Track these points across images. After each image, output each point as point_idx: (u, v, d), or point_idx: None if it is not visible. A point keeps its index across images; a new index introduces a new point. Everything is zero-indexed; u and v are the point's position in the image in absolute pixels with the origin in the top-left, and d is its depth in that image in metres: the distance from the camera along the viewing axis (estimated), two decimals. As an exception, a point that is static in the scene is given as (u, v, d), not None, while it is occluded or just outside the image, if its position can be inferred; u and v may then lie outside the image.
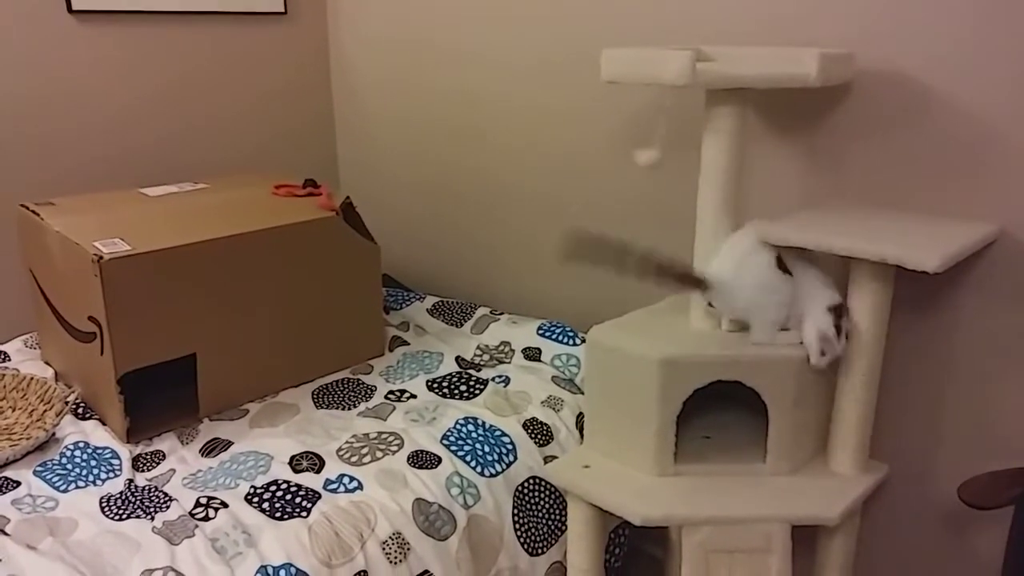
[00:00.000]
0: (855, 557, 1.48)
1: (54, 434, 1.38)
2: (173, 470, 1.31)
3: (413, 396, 1.53)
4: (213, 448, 1.37)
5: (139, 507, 1.20)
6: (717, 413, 1.45)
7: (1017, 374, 1.25)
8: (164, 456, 1.35)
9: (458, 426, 1.42)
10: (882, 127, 1.32)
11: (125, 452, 1.33)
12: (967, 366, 1.30)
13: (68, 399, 1.44)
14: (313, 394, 1.54)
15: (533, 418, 1.47)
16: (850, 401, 1.26)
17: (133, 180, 1.95)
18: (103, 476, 1.28)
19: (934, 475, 1.37)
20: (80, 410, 1.45)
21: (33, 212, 1.52)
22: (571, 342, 1.67)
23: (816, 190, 1.41)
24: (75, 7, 1.79)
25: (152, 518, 1.17)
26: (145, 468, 1.32)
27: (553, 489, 1.41)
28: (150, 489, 1.25)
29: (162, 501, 1.21)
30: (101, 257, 1.29)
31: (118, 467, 1.30)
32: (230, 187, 1.74)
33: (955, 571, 1.37)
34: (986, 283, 1.26)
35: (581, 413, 1.51)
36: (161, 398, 1.49)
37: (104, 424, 1.41)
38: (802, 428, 1.29)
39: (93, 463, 1.31)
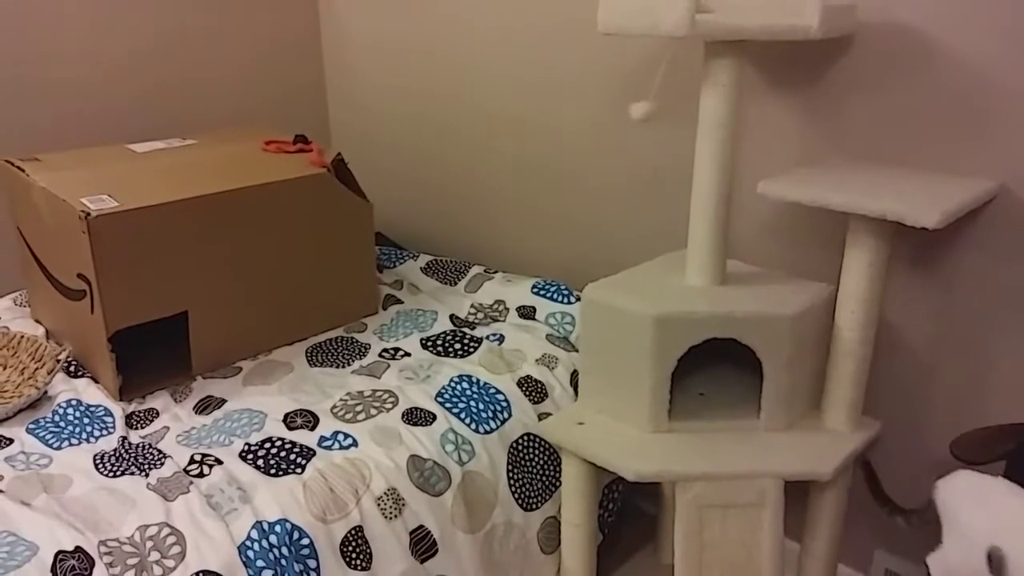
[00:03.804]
0: (846, 512, 1.49)
1: (46, 392, 1.37)
2: (167, 427, 1.31)
3: (407, 354, 1.53)
4: (207, 406, 1.36)
5: (133, 464, 1.20)
6: (712, 370, 1.45)
7: (1013, 331, 1.25)
8: (157, 414, 1.35)
9: (452, 384, 1.41)
10: (883, 81, 1.29)
11: (118, 410, 1.33)
12: (963, 323, 1.30)
13: (60, 357, 1.43)
14: (307, 352, 1.54)
15: (528, 376, 1.46)
16: (845, 358, 1.26)
17: (120, 136, 1.92)
18: (96, 434, 1.27)
19: (927, 431, 1.37)
20: (72, 368, 1.44)
21: (18, 168, 1.49)
22: (566, 300, 1.67)
23: (815, 146, 1.39)
24: (56, -44, 1.74)
25: (146, 475, 1.17)
26: (139, 426, 1.32)
27: (547, 446, 1.42)
28: (144, 446, 1.25)
29: (156, 458, 1.21)
30: (89, 214, 1.27)
31: (111, 425, 1.30)
32: (219, 143, 1.71)
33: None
34: (985, 240, 1.25)
35: (576, 371, 1.51)
36: (153, 356, 1.48)
37: (96, 382, 1.41)
38: (796, 385, 1.29)
39: (86, 421, 1.30)
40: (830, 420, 1.31)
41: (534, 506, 1.39)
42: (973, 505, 0.99)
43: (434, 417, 1.33)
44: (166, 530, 1.07)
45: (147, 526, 1.07)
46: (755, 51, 1.42)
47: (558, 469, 1.42)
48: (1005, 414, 1.28)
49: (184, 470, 1.18)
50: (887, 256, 1.22)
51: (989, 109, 1.20)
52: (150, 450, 1.24)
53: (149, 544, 1.05)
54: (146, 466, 1.19)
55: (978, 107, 1.21)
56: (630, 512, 1.78)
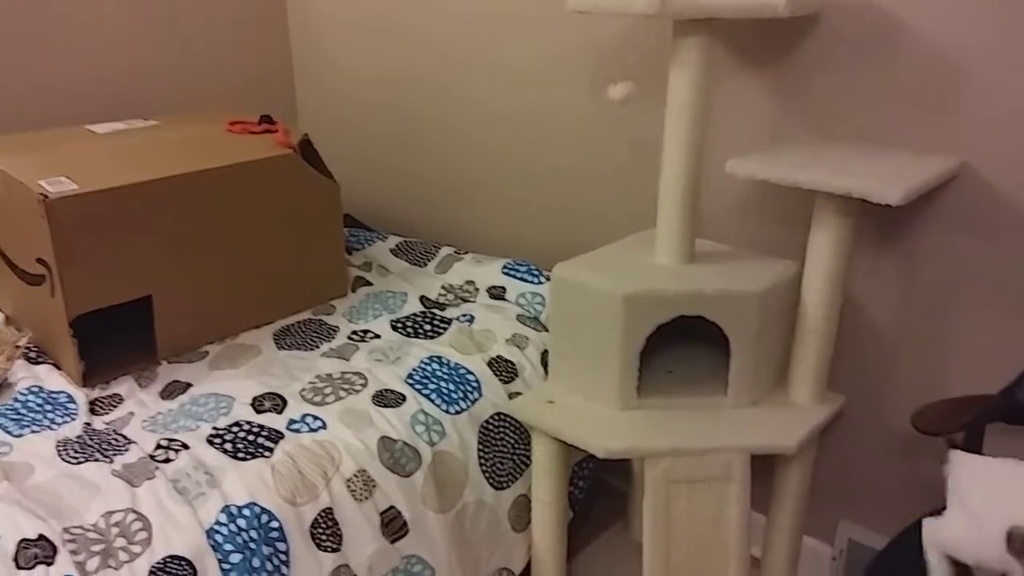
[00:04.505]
0: (811, 484, 1.52)
1: (7, 379, 1.34)
2: (132, 413, 1.29)
3: (377, 336, 1.52)
4: (173, 391, 1.35)
5: (97, 450, 1.18)
6: (680, 348, 1.46)
7: (973, 307, 1.28)
8: (122, 399, 1.33)
9: (423, 365, 1.41)
10: (849, 60, 1.30)
11: (81, 396, 1.31)
12: (925, 299, 1.32)
13: (19, 343, 1.40)
14: (274, 335, 1.52)
15: (498, 356, 1.47)
16: (810, 334, 1.28)
17: (79, 117, 1.87)
18: (59, 420, 1.25)
19: (889, 405, 1.40)
20: (33, 355, 1.41)
21: (-28, 149, 1.45)
22: (536, 280, 1.67)
23: (783, 124, 1.40)
24: (7, -70, 1.68)
25: (111, 461, 1.16)
26: (103, 412, 1.30)
27: (518, 425, 1.42)
28: (108, 433, 1.23)
29: (121, 444, 1.20)
30: (47, 196, 1.24)
31: (74, 411, 1.27)
32: (182, 124, 1.67)
33: (906, 496, 1.42)
34: (947, 217, 1.27)
35: (546, 351, 1.51)
36: (117, 341, 1.45)
37: (58, 368, 1.38)
38: (763, 361, 1.30)
39: (48, 407, 1.28)
40: (795, 395, 1.33)
41: (505, 485, 1.40)
42: (990, 484, 0.99)
43: (404, 398, 1.33)
44: (132, 516, 1.06)
45: (112, 512, 1.06)
46: (724, 30, 1.43)
47: (528, 448, 1.43)
48: (965, 387, 1.31)
49: (150, 455, 1.17)
50: (853, 233, 1.23)
51: (953, 88, 1.22)
52: (114, 436, 1.22)
53: (115, 530, 1.04)
54: (111, 452, 1.18)
55: (942, 86, 1.23)
56: (600, 489, 1.79)
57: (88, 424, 1.25)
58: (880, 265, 1.36)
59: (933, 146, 1.25)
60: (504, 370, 1.45)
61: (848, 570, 1.52)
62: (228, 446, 1.19)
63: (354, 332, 1.53)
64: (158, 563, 1.01)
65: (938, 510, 1.05)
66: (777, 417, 1.29)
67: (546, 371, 1.48)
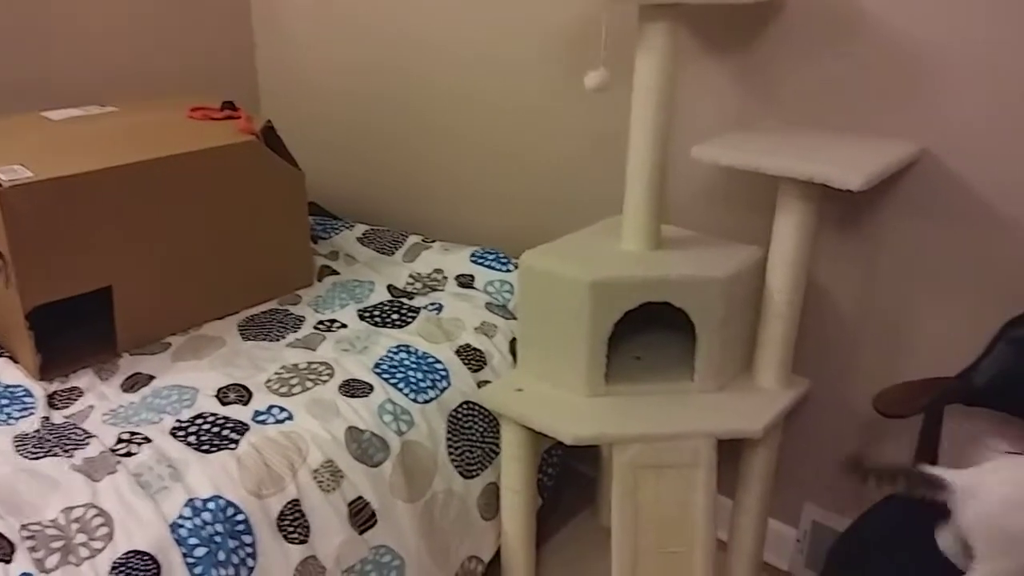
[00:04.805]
0: (776, 468, 1.54)
1: (-39, 373, 1.31)
2: (92, 406, 1.26)
3: (344, 326, 1.50)
4: (134, 383, 1.32)
5: (56, 445, 1.16)
6: (647, 334, 1.47)
7: (933, 290, 1.30)
8: (82, 393, 1.30)
9: (390, 354, 1.40)
10: (812, 46, 1.31)
11: (39, 389, 1.28)
12: (887, 283, 1.34)
13: (-26, 336, 1.37)
14: (239, 326, 1.50)
15: (467, 344, 1.46)
16: (775, 319, 1.29)
17: (34, 104, 1.82)
18: (15, 415, 1.22)
19: (852, 387, 1.42)
20: (-12, 348, 1.38)
21: (-80, 137, 1.40)
22: (504, 268, 1.66)
23: (748, 110, 1.41)
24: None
25: (71, 455, 1.13)
26: (62, 405, 1.27)
27: (487, 413, 1.42)
28: (67, 426, 1.20)
29: (81, 438, 1.17)
30: (0, 185, 1.20)
31: (32, 405, 1.24)
32: (141, 110, 1.64)
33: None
34: (908, 202, 1.29)
35: (514, 338, 1.51)
36: (77, 333, 1.42)
37: (15, 362, 1.35)
38: (728, 346, 1.31)
39: (4, 401, 1.25)
40: (761, 379, 1.34)
41: (474, 473, 1.40)
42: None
43: (371, 388, 1.32)
44: (92, 511, 1.04)
45: (72, 508, 1.04)
46: (689, 15, 1.43)
47: (497, 436, 1.43)
48: (926, 370, 1.34)
49: (111, 449, 1.15)
50: (816, 218, 1.24)
51: (913, 75, 1.23)
52: (74, 430, 1.19)
53: (75, 526, 1.02)
54: (70, 447, 1.15)
55: (902, 73, 1.24)
56: (569, 476, 1.80)
57: (46, 418, 1.22)
58: (843, 250, 1.37)
59: (894, 132, 1.27)
60: (473, 358, 1.44)
61: (812, 552, 1.55)
62: (192, 439, 1.17)
63: (320, 322, 1.52)
64: (120, 558, 1.00)
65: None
66: (743, 402, 1.30)
67: (515, 359, 1.48)
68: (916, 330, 1.33)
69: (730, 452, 1.41)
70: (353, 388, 1.31)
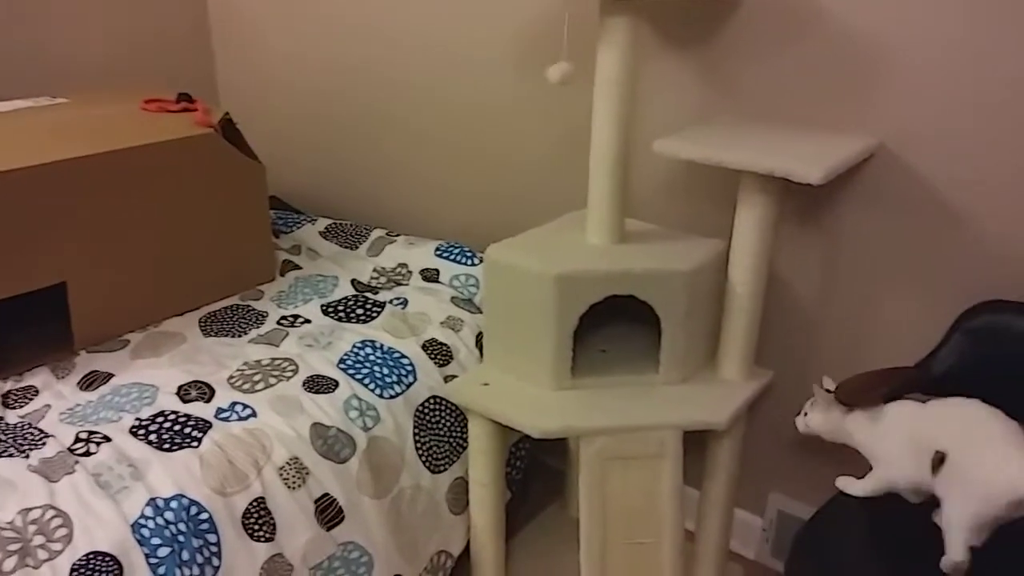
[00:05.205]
0: (741, 459, 1.56)
1: (-92, 374, 1.26)
2: (48, 406, 1.23)
3: (307, 321, 1.49)
4: (92, 381, 1.29)
5: (11, 446, 1.12)
6: (612, 327, 1.48)
7: (892, 281, 1.33)
8: (37, 392, 1.27)
9: (355, 349, 1.39)
10: (771, 41, 1.33)
11: (-8, 389, 1.24)
12: (846, 274, 1.37)
13: (-78, 336, 1.32)
14: (200, 322, 1.47)
15: (432, 339, 1.45)
16: (737, 312, 1.31)
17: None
18: (-32, 415, 1.19)
19: (815, 378, 1.45)
20: (-63, 347, 1.33)
21: None
22: (469, 262, 1.66)
23: (709, 105, 1.42)
24: None
25: (27, 456, 1.10)
26: (16, 405, 1.23)
27: (454, 407, 1.41)
28: (23, 426, 1.17)
29: (37, 438, 1.14)
30: (-53, 178, 1.16)
31: (-15, 405, 1.21)
32: (93, 102, 1.60)
33: (832, 468, 1.48)
34: (865, 195, 1.31)
35: (481, 333, 1.50)
36: (31, 331, 1.38)
37: (-34, 361, 1.31)
38: (693, 339, 1.33)
39: (-45, 402, 1.21)
40: (725, 371, 1.36)
41: (441, 468, 1.39)
42: (903, 427, 1.11)
43: (336, 384, 1.31)
44: (50, 512, 1.01)
45: (29, 509, 1.01)
46: (650, 10, 1.44)
47: (465, 430, 1.42)
48: (886, 359, 1.37)
49: (69, 449, 1.12)
50: (776, 212, 1.26)
51: (870, 70, 1.26)
52: (30, 430, 1.16)
53: (32, 528, 0.99)
54: (26, 447, 1.12)
55: (858, 67, 1.26)
56: (537, 469, 1.81)
57: (0, 418, 1.19)
58: (803, 242, 1.40)
59: (851, 126, 1.29)
60: (439, 353, 1.44)
61: (778, 540, 1.57)
62: (153, 437, 1.15)
63: (283, 317, 1.50)
64: (80, 560, 0.97)
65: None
66: (707, 394, 1.31)
67: (481, 353, 1.48)
68: (875, 321, 1.36)
69: (696, 443, 1.43)
70: (318, 384, 1.30)
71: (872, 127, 1.27)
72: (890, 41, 1.23)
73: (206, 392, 1.26)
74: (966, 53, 1.17)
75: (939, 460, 1.04)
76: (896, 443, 1.10)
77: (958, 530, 1.00)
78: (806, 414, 1.22)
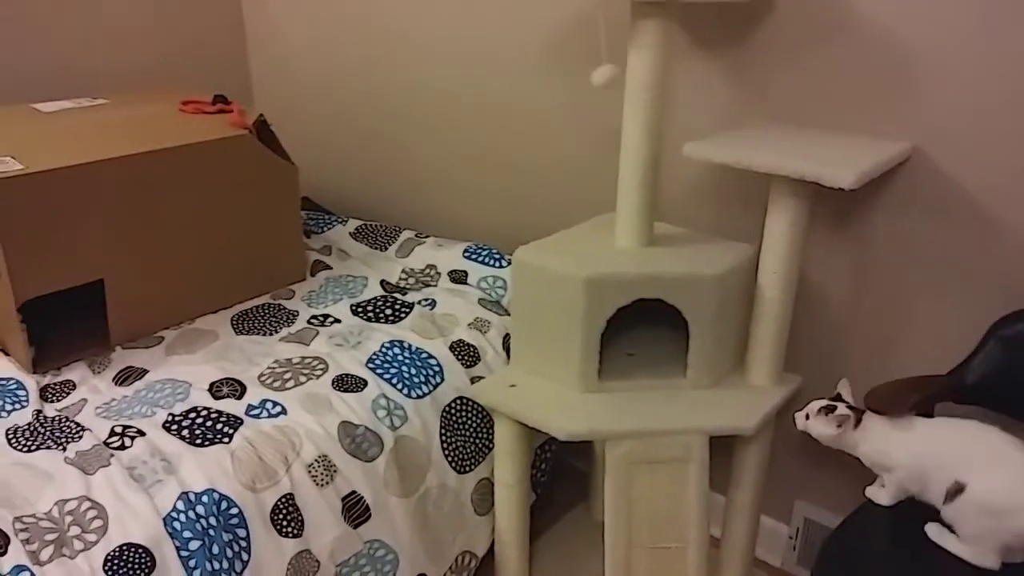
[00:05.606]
0: (768, 465, 1.55)
1: (-48, 366, 1.30)
2: (85, 400, 1.26)
3: (337, 321, 1.50)
4: (127, 377, 1.32)
5: (49, 438, 1.15)
6: (640, 331, 1.47)
7: (923, 288, 1.31)
8: (75, 386, 1.30)
9: (384, 349, 1.40)
10: (804, 44, 1.32)
11: (31, 383, 1.27)
12: (878, 280, 1.35)
13: (-35, 330, 1.36)
14: (232, 320, 1.50)
15: (460, 340, 1.46)
16: (766, 317, 1.30)
17: (24, 96, 1.81)
18: (8, 408, 1.22)
19: (843, 385, 1.43)
20: (-21, 341, 1.37)
21: (-89, 129, 1.39)
22: (497, 264, 1.67)
23: (740, 108, 1.42)
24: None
25: (64, 448, 1.13)
26: (54, 399, 1.27)
27: (480, 408, 1.42)
28: (61, 419, 1.20)
29: (74, 431, 1.17)
30: (-9, 177, 1.20)
31: (24, 398, 1.24)
32: (133, 103, 1.63)
33: (860, 477, 1.46)
34: (899, 200, 1.30)
35: (508, 334, 1.51)
36: (69, 326, 1.42)
37: (7, 355, 1.34)
38: (721, 343, 1.32)
39: (-4, 395, 1.24)
40: (753, 376, 1.35)
41: (467, 468, 1.40)
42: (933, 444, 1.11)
43: (365, 383, 1.32)
44: (86, 504, 1.04)
45: (66, 501, 1.04)
46: (682, 13, 1.43)
47: (491, 431, 1.43)
48: (917, 367, 1.35)
49: (104, 442, 1.14)
50: (807, 216, 1.25)
51: (904, 73, 1.24)
52: (67, 423, 1.19)
53: (68, 519, 1.02)
54: (63, 440, 1.15)
55: (893, 71, 1.25)
56: (563, 471, 1.81)
57: (39, 411, 1.22)
58: (834, 247, 1.38)
59: (885, 130, 1.28)
60: (466, 354, 1.45)
61: (804, 549, 1.56)
62: (185, 432, 1.17)
63: (313, 317, 1.52)
64: (114, 551, 1.00)
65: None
66: (735, 399, 1.31)
67: (508, 355, 1.48)
68: (907, 328, 1.34)
69: (723, 449, 1.42)
70: (347, 383, 1.31)
71: (906, 131, 1.26)
72: (924, 43, 1.21)
73: (237, 389, 1.28)
74: (1001, 56, 1.16)
75: (956, 490, 1.04)
76: (908, 456, 1.11)
77: (980, 557, 1.03)
78: (807, 416, 1.21)
